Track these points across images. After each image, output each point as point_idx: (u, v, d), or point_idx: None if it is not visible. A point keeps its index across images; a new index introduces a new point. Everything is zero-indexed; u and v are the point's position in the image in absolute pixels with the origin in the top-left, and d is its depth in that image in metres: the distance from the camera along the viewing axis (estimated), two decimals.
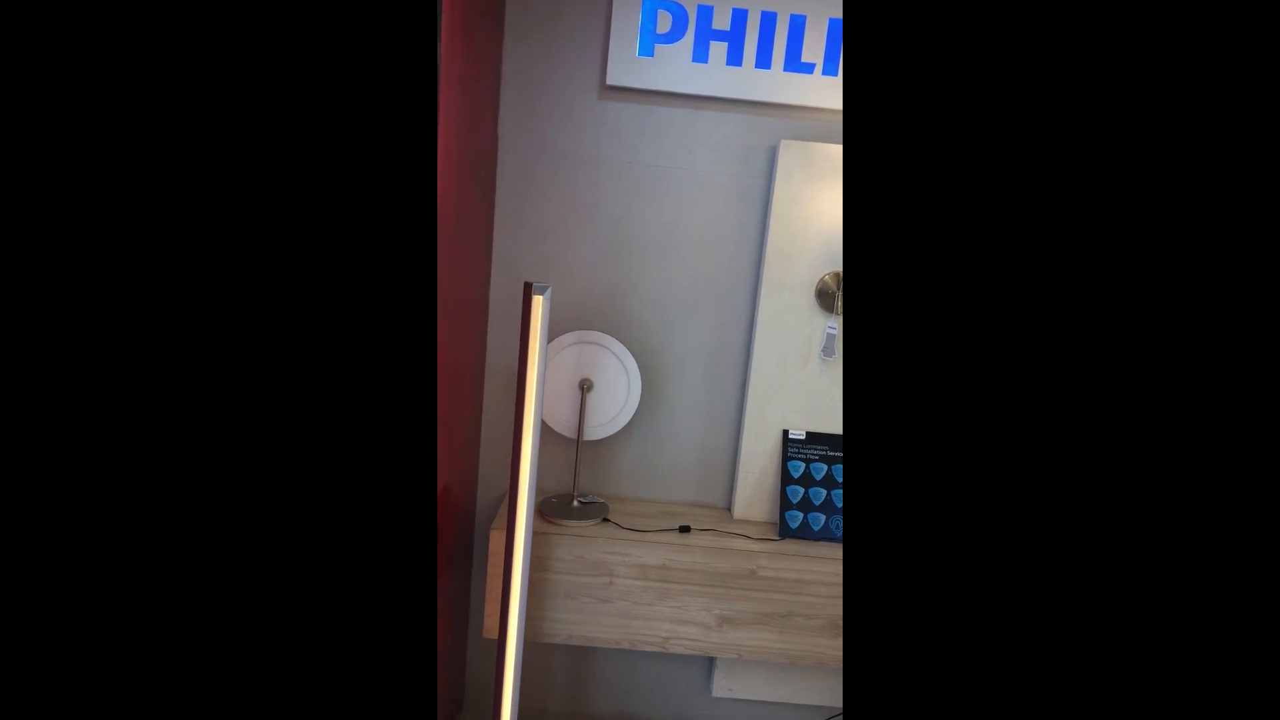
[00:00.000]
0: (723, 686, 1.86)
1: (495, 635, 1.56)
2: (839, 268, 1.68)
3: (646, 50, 1.65)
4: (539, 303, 1.37)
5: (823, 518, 1.70)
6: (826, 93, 1.66)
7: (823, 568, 1.61)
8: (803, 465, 1.73)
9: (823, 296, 1.69)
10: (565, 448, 1.81)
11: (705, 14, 1.63)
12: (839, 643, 1.63)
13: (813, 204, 1.66)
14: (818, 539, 1.69)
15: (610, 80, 1.66)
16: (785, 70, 1.65)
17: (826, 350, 1.71)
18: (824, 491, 1.72)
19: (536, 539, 1.59)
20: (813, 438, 1.74)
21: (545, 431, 1.76)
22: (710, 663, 1.89)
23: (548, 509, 1.69)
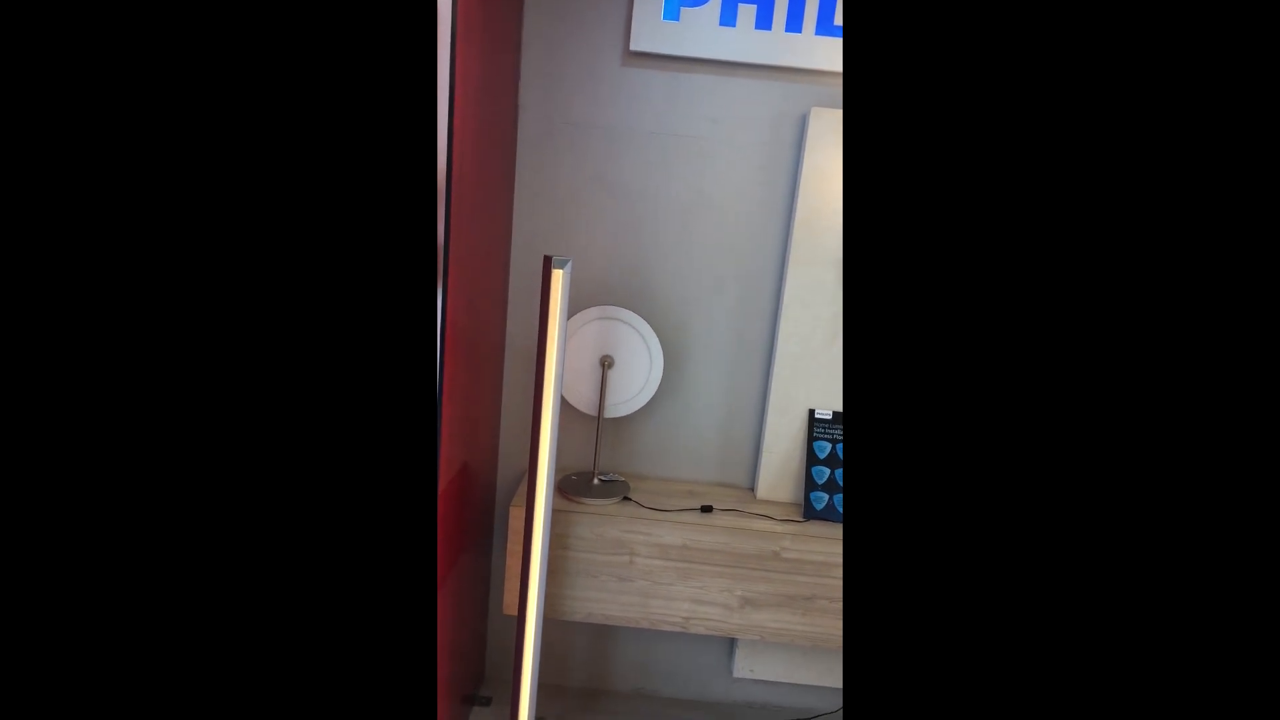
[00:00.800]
0: (744, 667, 1.84)
1: (515, 612, 1.56)
2: None
3: (672, 14, 1.58)
4: (559, 277, 1.34)
5: None
6: None
7: None
8: (829, 446, 1.68)
9: None
10: (586, 425, 1.78)
11: None
12: None
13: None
14: (843, 521, 1.65)
15: (634, 46, 1.60)
16: (817, 34, 1.58)
17: None
18: None
19: (557, 517, 1.58)
20: (839, 417, 1.69)
21: (566, 408, 1.73)
22: (731, 643, 1.88)
23: (568, 487, 1.67)
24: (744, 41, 1.59)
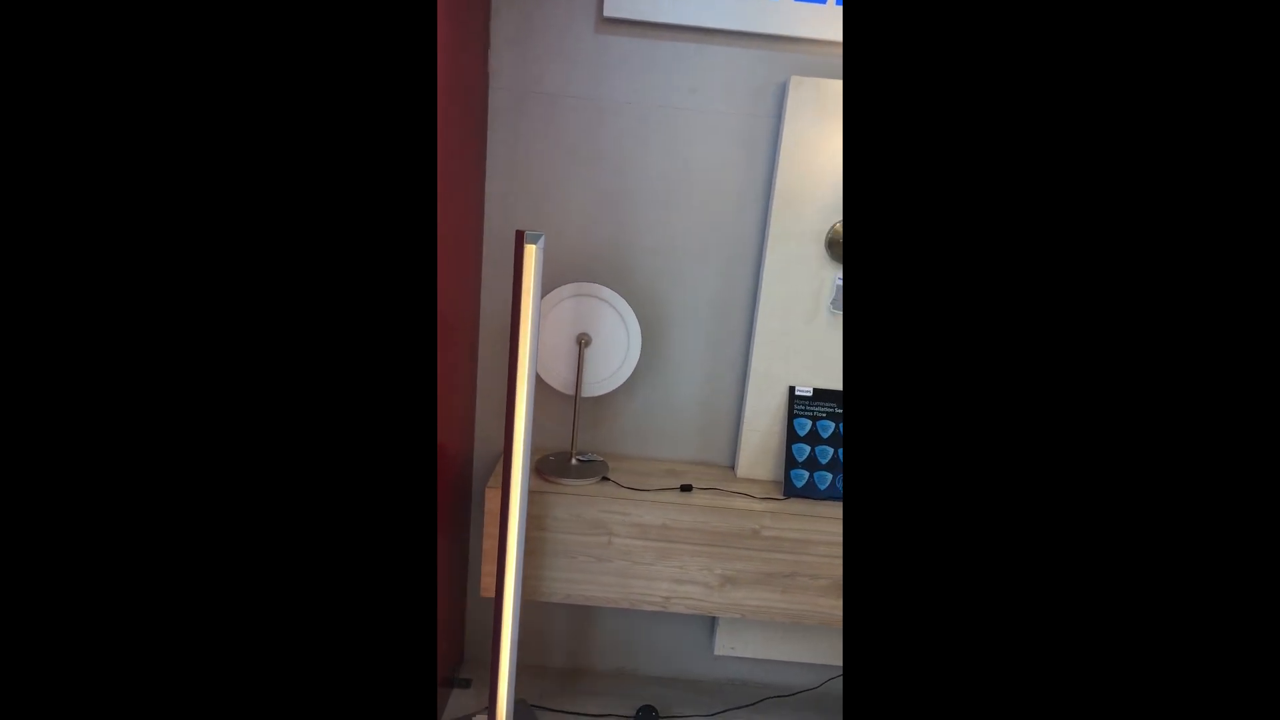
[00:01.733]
0: (725, 645, 1.84)
1: (493, 594, 1.53)
2: None
3: None
4: (532, 252, 1.30)
5: (829, 476, 1.65)
6: (841, 25, 1.54)
7: (828, 527, 1.56)
8: (809, 423, 1.67)
9: (833, 247, 1.60)
10: (563, 405, 1.75)
11: None
12: (843, 602, 1.60)
13: (824, 146, 1.56)
14: (823, 498, 1.64)
15: (608, 12, 1.54)
16: (797, 0, 1.53)
17: (836, 303, 1.63)
18: (830, 450, 1.66)
19: (534, 498, 1.55)
20: (820, 394, 1.67)
21: (542, 388, 1.70)
22: (712, 621, 1.87)
23: (545, 468, 1.64)
24: (722, 7, 1.53)
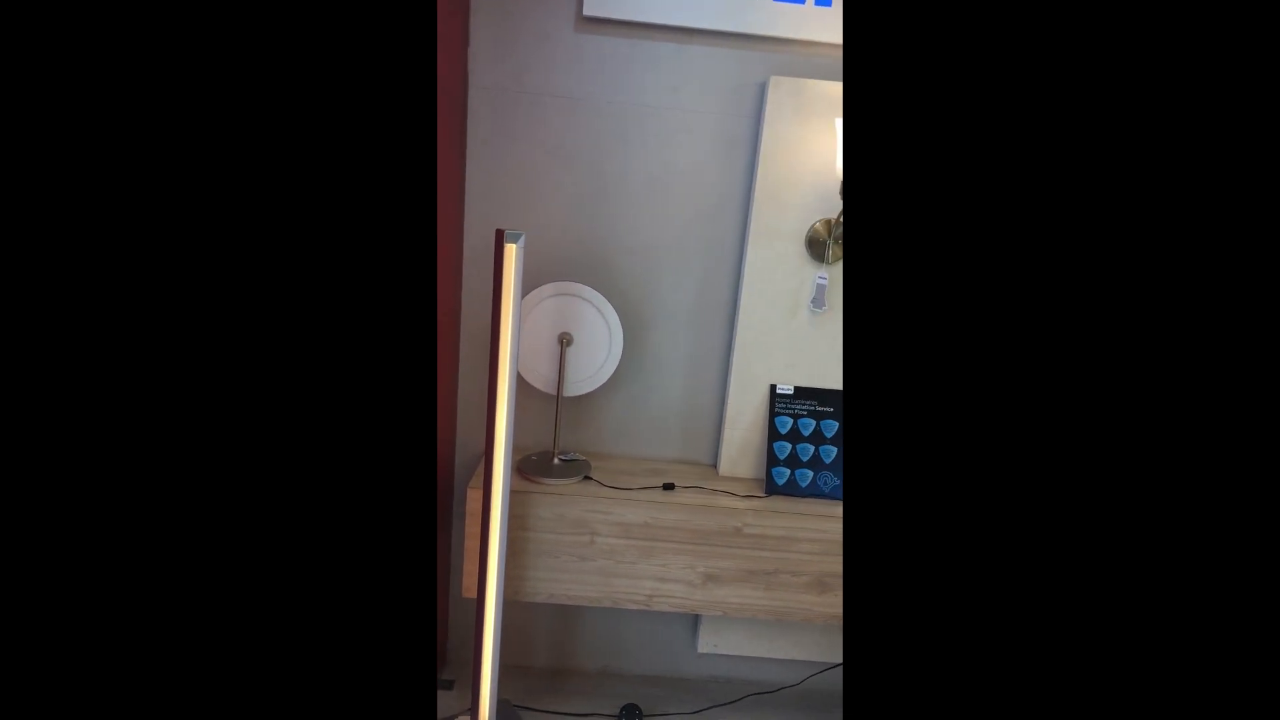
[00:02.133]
0: (708, 643, 1.85)
1: (475, 594, 1.53)
2: (831, 214, 1.60)
3: None
4: (512, 251, 1.29)
5: (810, 474, 1.66)
6: (820, 25, 1.55)
7: (809, 524, 1.57)
8: (790, 421, 1.68)
9: (813, 245, 1.61)
10: (545, 404, 1.75)
11: None
12: (825, 599, 1.61)
13: (804, 145, 1.56)
14: (805, 495, 1.65)
15: (587, 10, 1.54)
16: (776, 0, 1.53)
17: (817, 302, 1.64)
18: (812, 447, 1.67)
19: (516, 498, 1.55)
20: (801, 392, 1.68)
21: (524, 387, 1.69)
22: (695, 619, 1.88)
23: (528, 467, 1.64)
24: (702, 7, 1.54)
